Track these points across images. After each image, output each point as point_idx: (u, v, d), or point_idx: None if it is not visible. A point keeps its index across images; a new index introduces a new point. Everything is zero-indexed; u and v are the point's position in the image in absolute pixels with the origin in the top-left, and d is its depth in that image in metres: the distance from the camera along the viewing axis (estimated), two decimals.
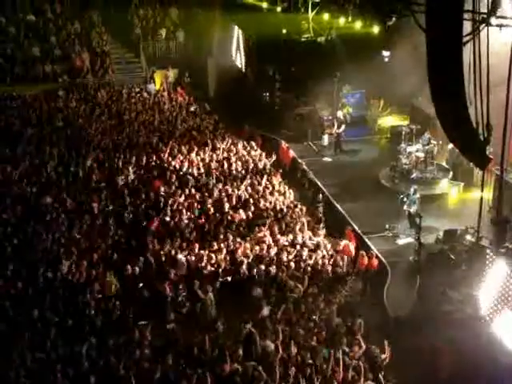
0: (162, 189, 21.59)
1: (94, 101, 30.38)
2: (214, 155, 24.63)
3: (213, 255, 18.14)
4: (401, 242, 20.73)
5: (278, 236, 19.37)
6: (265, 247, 18.65)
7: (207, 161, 24.16)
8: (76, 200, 20.90)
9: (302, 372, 13.64)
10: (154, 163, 23.92)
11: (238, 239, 19.06)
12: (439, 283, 17.53)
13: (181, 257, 18.01)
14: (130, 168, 23.07)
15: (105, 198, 21.00)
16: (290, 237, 19.38)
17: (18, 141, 25.37)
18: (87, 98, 30.89)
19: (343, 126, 27.81)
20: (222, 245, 18.71)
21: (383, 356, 14.62)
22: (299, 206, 21.41)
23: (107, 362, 13.69)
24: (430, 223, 20.63)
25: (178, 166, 23.52)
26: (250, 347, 14.37)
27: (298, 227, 19.90)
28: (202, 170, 23.33)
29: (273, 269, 17.70)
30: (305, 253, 18.57)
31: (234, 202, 21.16)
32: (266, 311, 15.97)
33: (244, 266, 17.72)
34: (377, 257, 19.23)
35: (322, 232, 20.23)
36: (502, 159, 16.65)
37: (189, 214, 20.33)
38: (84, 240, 18.61)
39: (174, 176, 22.69)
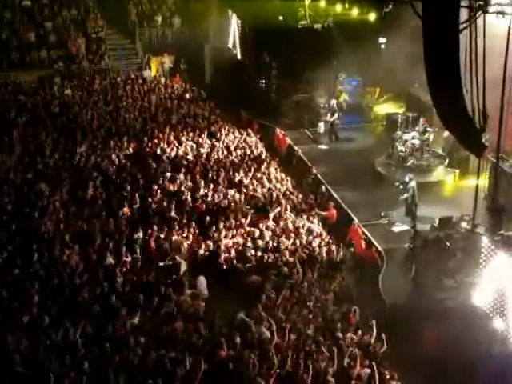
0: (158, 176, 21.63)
1: (89, 87, 30.27)
2: (210, 141, 24.60)
3: (209, 242, 18.19)
4: (396, 229, 20.77)
5: (275, 222, 19.40)
6: (262, 234, 18.68)
7: (203, 147, 24.15)
8: (71, 186, 20.87)
9: (297, 359, 13.68)
10: (148, 149, 23.88)
11: (236, 226, 19.09)
12: (434, 270, 17.58)
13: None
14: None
15: (99, 185, 20.97)
16: (287, 223, 19.41)
17: (13, 127, 25.25)
18: (83, 84, 30.77)
19: (336, 115, 27.77)
20: (219, 232, 18.75)
21: (378, 343, 14.66)
22: (295, 194, 21.42)
23: (102, 348, 13.70)
24: (425, 211, 20.67)
25: (173, 152, 23.51)
26: (244, 334, 14.39)
27: (294, 214, 19.94)
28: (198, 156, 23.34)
29: (270, 255, 17.75)
30: (302, 239, 18.62)
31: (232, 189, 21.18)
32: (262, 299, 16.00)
33: (242, 253, 17.76)
34: (373, 244, 19.27)
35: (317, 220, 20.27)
36: (498, 147, 16.69)
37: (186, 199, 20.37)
38: (78, 226, 18.62)
39: (169, 162, 22.72)
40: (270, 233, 18.81)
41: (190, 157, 23.35)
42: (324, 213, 20.51)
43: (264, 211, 20.04)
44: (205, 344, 14.03)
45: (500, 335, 15.44)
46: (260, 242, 18.29)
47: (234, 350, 13.76)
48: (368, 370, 13.66)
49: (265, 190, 21.14)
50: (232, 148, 24.18)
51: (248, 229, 18.98)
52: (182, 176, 21.72)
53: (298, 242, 18.55)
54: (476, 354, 14.70)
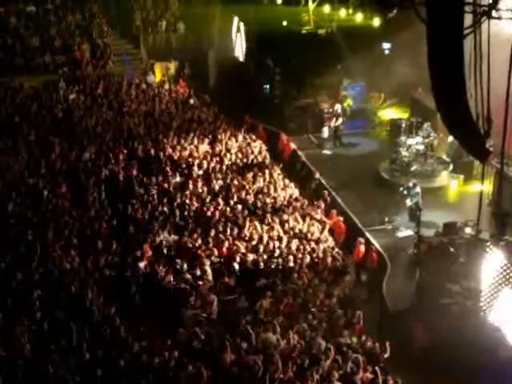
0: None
1: (93, 92, 30.28)
2: (214, 147, 24.59)
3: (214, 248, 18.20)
4: (400, 234, 20.75)
5: (281, 229, 19.37)
6: (269, 239, 18.65)
7: (207, 152, 24.14)
8: (75, 191, 20.90)
9: (301, 364, 13.66)
10: (153, 154, 23.86)
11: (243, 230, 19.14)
12: (438, 276, 17.54)
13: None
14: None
15: (104, 189, 20.99)
16: (293, 229, 19.38)
17: (18, 132, 25.28)
18: (87, 89, 30.79)
19: (340, 120, 27.78)
20: (226, 236, 18.78)
21: (382, 349, 14.63)
22: (301, 200, 21.38)
23: (107, 353, 13.69)
24: (429, 216, 20.64)
25: (177, 158, 23.52)
26: (249, 339, 14.39)
27: (300, 220, 19.91)
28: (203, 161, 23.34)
29: (275, 260, 17.74)
30: (308, 245, 18.60)
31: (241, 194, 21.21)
32: (265, 303, 16.00)
33: (250, 257, 17.78)
34: (377, 251, 19.25)
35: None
36: (502, 152, 16.63)
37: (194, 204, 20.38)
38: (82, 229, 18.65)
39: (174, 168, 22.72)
40: (275, 238, 18.78)
41: (194, 161, 23.32)
42: (319, 216, 20.43)
43: (269, 216, 20.03)
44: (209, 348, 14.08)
45: (504, 341, 15.37)
46: (266, 248, 18.26)
47: (237, 355, 13.76)
48: (371, 376, 13.64)
49: (269, 197, 21.12)
50: (236, 153, 24.13)
51: (254, 234, 18.95)
52: (188, 181, 21.76)
53: (302, 247, 18.54)
54: (480, 360, 14.68)
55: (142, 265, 17.25)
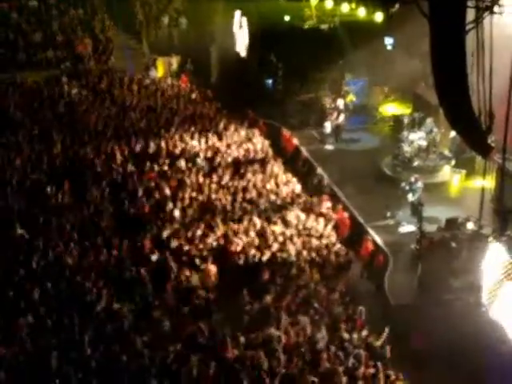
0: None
1: (96, 87, 30.26)
2: (216, 142, 24.59)
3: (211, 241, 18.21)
4: (402, 230, 20.75)
5: (283, 224, 19.38)
6: (272, 234, 18.67)
7: (209, 147, 24.15)
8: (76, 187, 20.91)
9: (304, 359, 13.68)
10: (155, 149, 23.86)
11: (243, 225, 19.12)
12: (440, 271, 17.56)
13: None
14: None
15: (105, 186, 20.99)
16: (296, 225, 19.38)
17: (20, 127, 25.27)
18: (89, 84, 30.78)
19: (342, 115, 27.75)
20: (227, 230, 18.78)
21: (383, 344, 14.65)
22: (304, 195, 21.37)
23: (108, 348, 13.70)
24: (431, 211, 20.63)
25: (179, 152, 23.54)
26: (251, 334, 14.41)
27: (302, 216, 19.91)
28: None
29: (278, 255, 17.75)
30: (311, 241, 18.61)
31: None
32: (268, 298, 16.00)
33: (252, 253, 17.78)
34: (384, 253, 19.25)
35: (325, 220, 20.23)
36: (504, 148, 16.64)
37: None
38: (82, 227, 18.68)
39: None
40: (277, 233, 18.78)
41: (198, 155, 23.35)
42: (324, 211, 20.46)
43: (271, 212, 20.04)
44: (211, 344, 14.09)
45: (506, 337, 15.38)
46: (268, 243, 18.27)
47: (239, 350, 13.77)
48: (373, 371, 13.65)
49: (272, 193, 21.12)
50: (237, 148, 24.13)
51: (256, 230, 18.96)
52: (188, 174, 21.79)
53: (305, 242, 18.54)
54: (482, 355, 14.70)
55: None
